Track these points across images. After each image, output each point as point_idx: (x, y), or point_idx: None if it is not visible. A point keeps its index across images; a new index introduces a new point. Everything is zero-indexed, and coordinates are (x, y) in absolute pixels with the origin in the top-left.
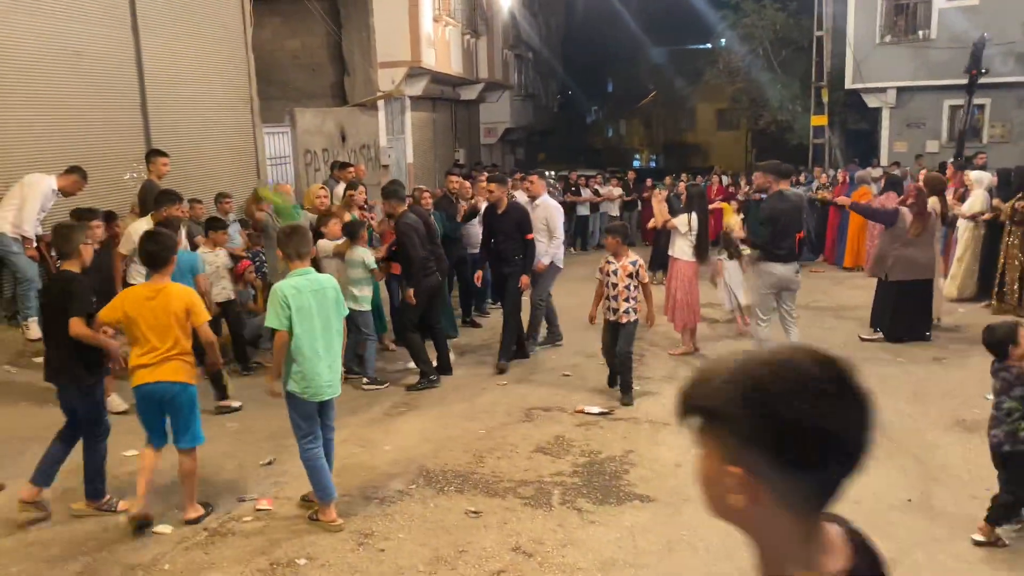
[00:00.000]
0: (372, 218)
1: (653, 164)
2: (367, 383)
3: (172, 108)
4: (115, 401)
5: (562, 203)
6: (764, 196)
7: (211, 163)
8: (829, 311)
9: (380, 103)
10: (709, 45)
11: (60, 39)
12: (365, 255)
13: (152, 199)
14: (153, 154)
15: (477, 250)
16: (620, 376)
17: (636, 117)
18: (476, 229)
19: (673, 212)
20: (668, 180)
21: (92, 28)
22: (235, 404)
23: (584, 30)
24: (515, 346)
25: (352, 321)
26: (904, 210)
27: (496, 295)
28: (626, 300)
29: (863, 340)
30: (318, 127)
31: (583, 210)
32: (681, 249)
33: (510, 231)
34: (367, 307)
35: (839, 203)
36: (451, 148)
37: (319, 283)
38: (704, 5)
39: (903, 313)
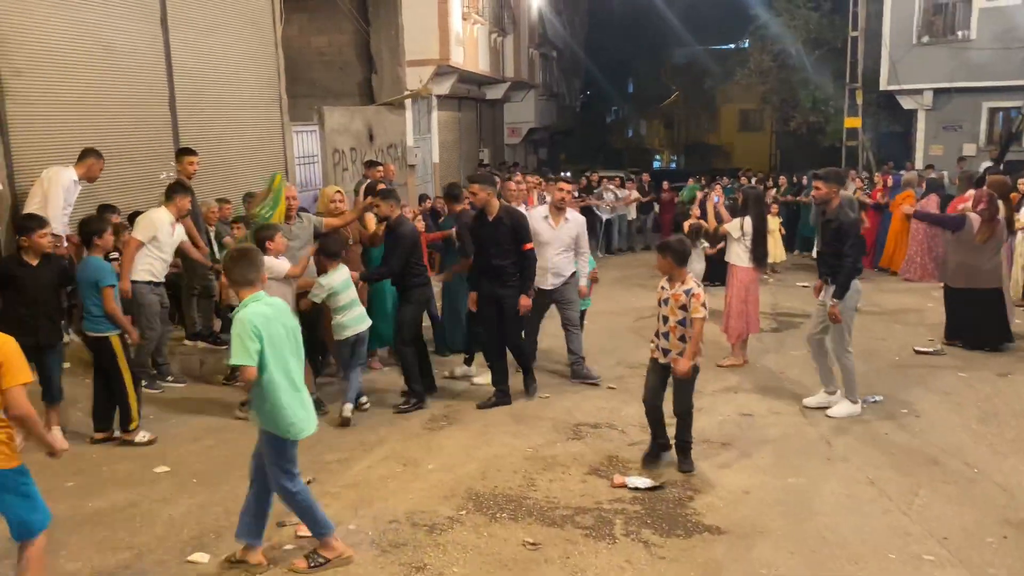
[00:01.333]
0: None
1: (673, 165)
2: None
3: (201, 104)
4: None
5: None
6: (813, 202)
7: (239, 161)
8: (877, 318)
9: (407, 102)
10: (733, 45)
11: (89, 33)
12: (335, 279)
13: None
14: (182, 152)
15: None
16: (677, 436)
17: (657, 117)
18: None
19: (706, 215)
20: (691, 182)
21: (121, 22)
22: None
23: (607, 29)
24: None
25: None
26: (973, 216)
27: (478, 322)
28: (681, 339)
29: (918, 352)
30: (346, 126)
31: (604, 213)
32: (737, 255)
33: (505, 241)
34: (362, 328)
35: (904, 212)
36: (476, 148)
37: (284, 307)
38: (732, 5)
39: (973, 322)
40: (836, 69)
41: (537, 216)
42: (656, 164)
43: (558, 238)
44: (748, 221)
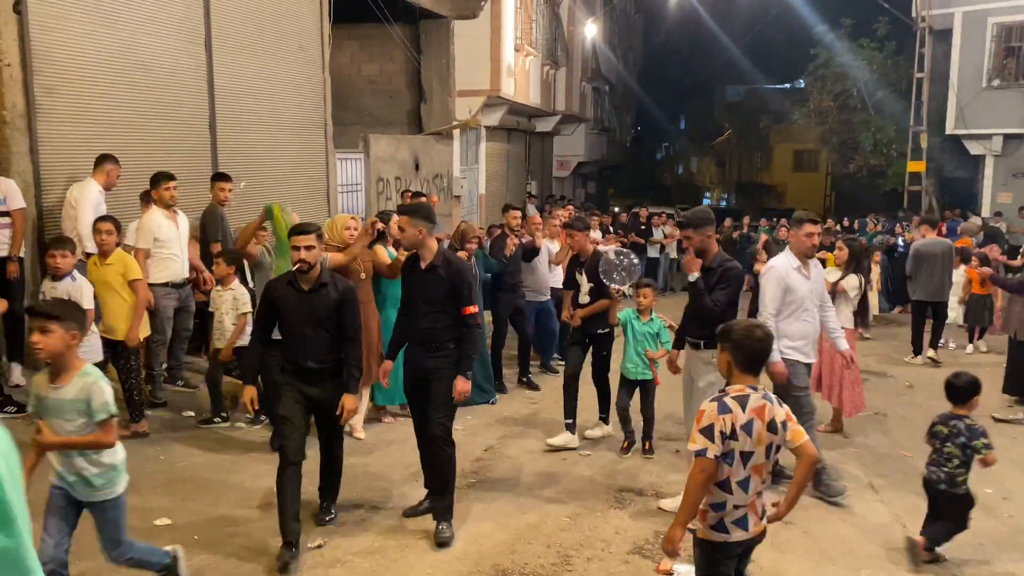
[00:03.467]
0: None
1: (724, 203)
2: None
3: (242, 128)
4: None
5: (627, 245)
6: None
7: (279, 187)
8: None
9: (455, 132)
10: (789, 85)
11: (128, 51)
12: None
13: (214, 225)
14: (214, 177)
15: (542, 297)
16: None
17: (709, 155)
18: (541, 273)
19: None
20: (747, 220)
21: (163, 42)
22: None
23: (661, 65)
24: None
25: None
26: None
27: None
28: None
29: (997, 421)
30: (391, 154)
31: (652, 252)
32: (847, 317)
33: (437, 298)
34: None
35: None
36: (523, 180)
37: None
38: (790, 43)
39: None
40: (899, 111)
41: (786, 267)
42: (706, 201)
43: (815, 292)
44: (857, 279)
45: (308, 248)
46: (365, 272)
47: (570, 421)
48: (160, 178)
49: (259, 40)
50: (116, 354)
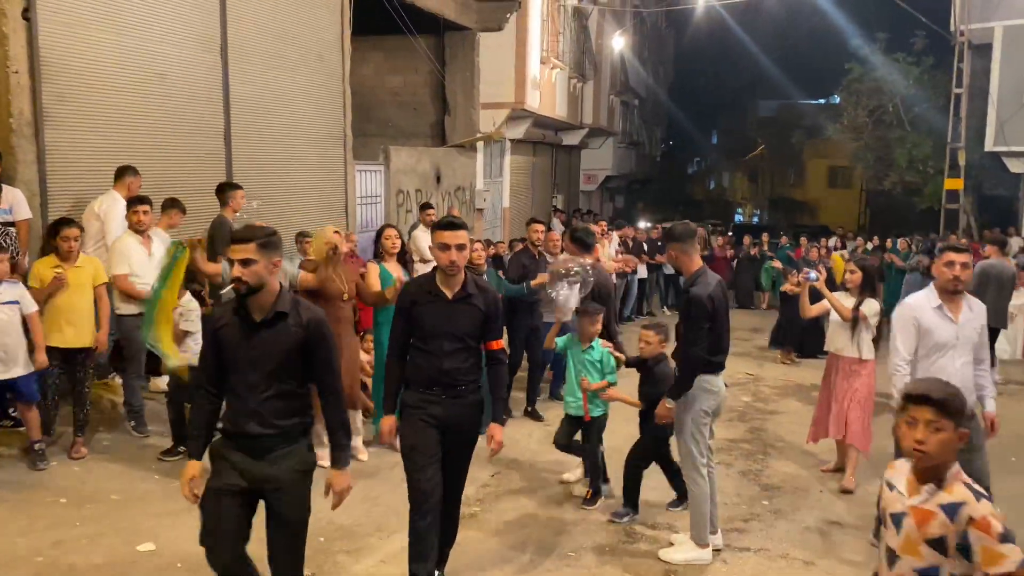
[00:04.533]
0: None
1: (756, 219)
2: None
3: (258, 138)
4: None
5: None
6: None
7: (296, 199)
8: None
9: (479, 145)
10: (824, 100)
11: (141, 59)
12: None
13: (221, 238)
14: (230, 187)
15: (563, 318)
16: None
17: (741, 170)
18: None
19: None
20: (765, 238)
21: (177, 50)
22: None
23: (692, 78)
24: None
25: None
26: None
27: (407, 465)
28: None
29: None
30: (412, 166)
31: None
32: (867, 345)
33: (465, 332)
34: None
35: None
36: (549, 193)
37: None
38: (824, 58)
39: None
40: (936, 127)
41: (921, 306)
42: (738, 217)
43: (965, 338)
44: (877, 303)
45: (246, 263)
46: (348, 293)
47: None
48: (132, 202)
49: (277, 50)
50: (74, 362)
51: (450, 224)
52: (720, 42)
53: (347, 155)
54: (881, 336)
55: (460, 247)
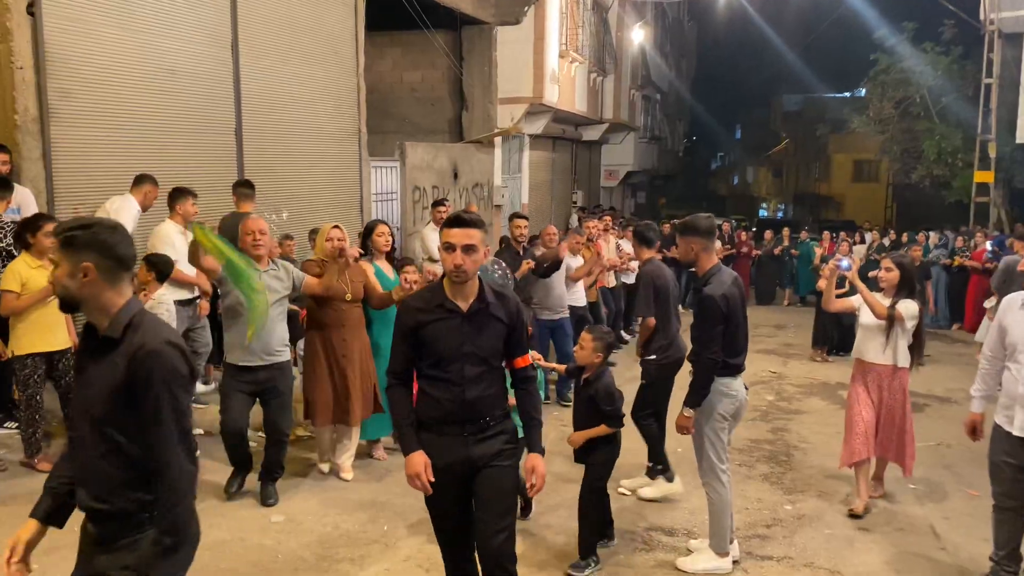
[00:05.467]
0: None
1: (780, 214)
2: None
3: (270, 135)
4: None
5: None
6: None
7: (309, 196)
8: None
9: (498, 140)
10: (849, 93)
11: (150, 54)
12: None
13: (231, 236)
14: (245, 184)
15: (558, 315)
16: None
17: (765, 164)
18: (557, 290)
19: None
20: (787, 232)
21: (187, 45)
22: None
23: (715, 72)
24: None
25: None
26: None
27: (434, 518)
28: None
29: None
30: (429, 163)
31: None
32: (902, 350)
33: (488, 351)
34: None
35: None
36: (569, 189)
37: None
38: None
39: None
40: (966, 119)
41: (1013, 303)
42: (762, 212)
43: None
44: (915, 305)
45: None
46: (353, 294)
47: None
48: (183, 192)
49: (289, 45)
50: (57, 365)
51: (458, 220)
52: (743, 35)
53: (362, 151)
54: (920, 343)
55: (468, 248)
